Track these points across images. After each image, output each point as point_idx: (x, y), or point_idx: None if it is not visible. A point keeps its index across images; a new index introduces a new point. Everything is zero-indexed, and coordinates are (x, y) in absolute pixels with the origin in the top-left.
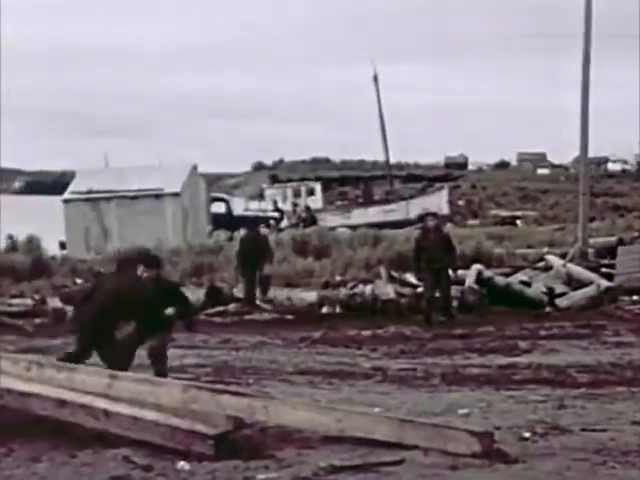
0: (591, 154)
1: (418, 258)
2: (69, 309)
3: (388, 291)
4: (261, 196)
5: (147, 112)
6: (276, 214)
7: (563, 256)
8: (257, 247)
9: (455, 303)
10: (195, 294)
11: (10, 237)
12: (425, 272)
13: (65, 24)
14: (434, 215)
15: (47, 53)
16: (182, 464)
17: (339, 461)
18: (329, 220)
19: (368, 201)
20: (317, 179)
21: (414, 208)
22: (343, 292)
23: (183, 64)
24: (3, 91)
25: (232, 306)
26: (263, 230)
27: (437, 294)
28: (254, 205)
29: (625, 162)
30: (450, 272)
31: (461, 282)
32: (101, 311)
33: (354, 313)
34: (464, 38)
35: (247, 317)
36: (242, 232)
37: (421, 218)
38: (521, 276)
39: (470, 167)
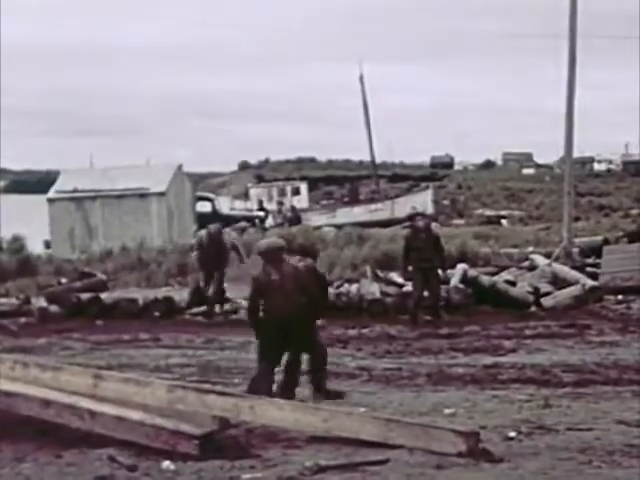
0: (576, 154)
1: (407, 257)
2: (54, 309)
3: (374, 290)
4: (246, 195)
5: (134, 112)
6: (261, 213)
7: (548, 255)
8: (217, 248)
9: (440, 303)
10: (180, 294)
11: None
12: (415, 272)
13: (51, 24)
14: (423, 215)
15: (34, 53)
16: (167, 464)
17: (325, 461)
18: (314, 219)
19: (354, 200)
20: (302, 178)
21: (400, 207)
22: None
23: (170, 64)
24: None
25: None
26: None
27: (425, 294)
28: (239, 204)
29: (610, 162)
30: (439, 272)
31: (446, 281)
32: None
33: (340, 312)
34: (451, 39)
35: (233, 317)
36: (203, 232)
37: (410, 218)
38: (506, 275)
39: (456, 167)
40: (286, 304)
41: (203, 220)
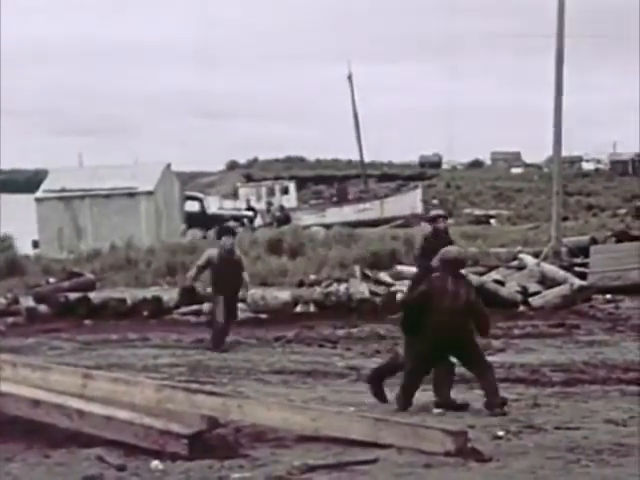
0: (565, 153)
1: (422, 257)
2: (42, 308)
3: (362, 290)
4: (235, 195)
5: (122, 111)
6: (250, 213)
7: (537, 255)
8: (232, 272)
9: None
10: (169, 293)
11: None
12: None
13: (42, 23)
14: (446, 217)
15: (24, 52)
16: (156, 464)
17: (313, 460)
18: (303, 219)
19: (342, 200)
20: (291, 178)
21: (389, 207)
22: (317, 291)
23: (158, 63)
24: None
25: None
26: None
27: None
28: (228, 204)
29: (598, 161)
30: None
31: None
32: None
33: (328, 312)
34: (440, 39)
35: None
36: (212, 252)
37: (433, 218)
38: (495, 275)
39: (444, 166)
40: (453, 320)
41: (192, 219)
